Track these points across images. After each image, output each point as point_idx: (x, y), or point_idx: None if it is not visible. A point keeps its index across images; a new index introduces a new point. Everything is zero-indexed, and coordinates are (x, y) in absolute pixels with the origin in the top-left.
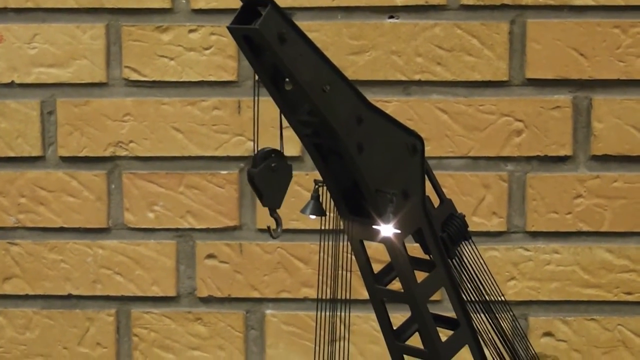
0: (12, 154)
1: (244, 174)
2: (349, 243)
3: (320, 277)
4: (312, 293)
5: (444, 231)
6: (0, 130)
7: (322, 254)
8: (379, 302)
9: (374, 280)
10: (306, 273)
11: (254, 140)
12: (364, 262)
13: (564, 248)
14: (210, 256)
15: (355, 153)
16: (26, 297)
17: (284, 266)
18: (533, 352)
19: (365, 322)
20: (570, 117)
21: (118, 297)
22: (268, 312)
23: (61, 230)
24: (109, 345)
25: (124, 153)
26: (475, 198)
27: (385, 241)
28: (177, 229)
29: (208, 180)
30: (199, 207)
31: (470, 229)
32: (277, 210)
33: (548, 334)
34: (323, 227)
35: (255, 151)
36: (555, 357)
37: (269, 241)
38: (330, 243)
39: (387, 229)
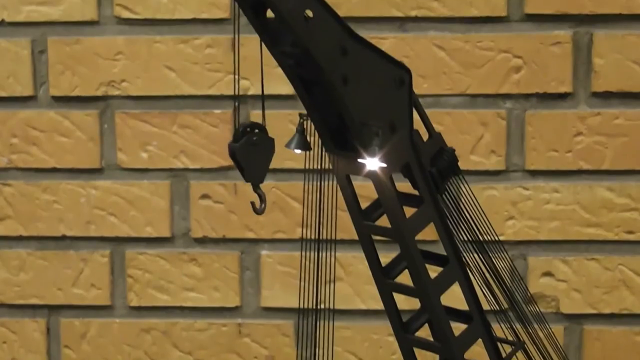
0: (3, 94)
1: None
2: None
3: (305, 217)
4: (307, 234)
5: (432, 166)
6: None
7: (306, 192)
8: (367, 238)
9: (361, 216)
10: (301, 213)
11: (234, 115)
12: (351, 198)
13: (564, 187)
14: (205, 196)
15: (340, 85)
16: (20, 239)
17: (279, 206)
18: (529, 294)
19: (361, 262)
20: (570, 53)
21: (112, 238)
22: (263, 252)
23: (54, 170)
24: (103, 286)
25: (116, 92)
26: (474, 136)
27: (371, 175)
28: (170, 169)
29: (202, 119)
30: (192, 146)
31: (468, 167)
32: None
33: (548, 274)
34: (308, 166)
35: (236, 125)
36: (555, 297)
37: (265, 181)
38: (316, 181)
39: (372, 163)
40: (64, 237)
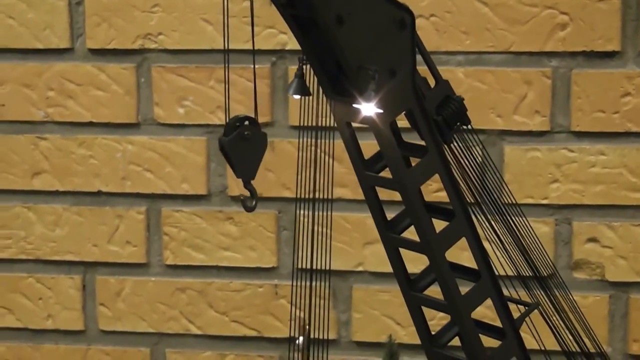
0: (39, 46)
1: (275, 67)
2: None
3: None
4: (345, 193)
5: (438, 114)
6: (28, 21)
7: (301, 149)
8: (370, 190)
9: (363, 166)
10: (339, 172)
11: (225, 107)
12: (352, 146)
13: (610, 149)
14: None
15: (334, 25)
16: (56, 193)
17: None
18: (549, 259)
19: None
20: (618, 9)
21: (148, 194)
22: (301, 212)
23: (90, 125)
24: (138, 243)
25: (152, 46)
26: (517, 95)
27: (369, 122)
28: (207, 125)
29: (239, 74)
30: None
31: (511, 128)
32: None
33: (593, 239)
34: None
35: (227, 118)
36: (600, 264)
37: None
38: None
39: (368, 108)
40: (99, 193)
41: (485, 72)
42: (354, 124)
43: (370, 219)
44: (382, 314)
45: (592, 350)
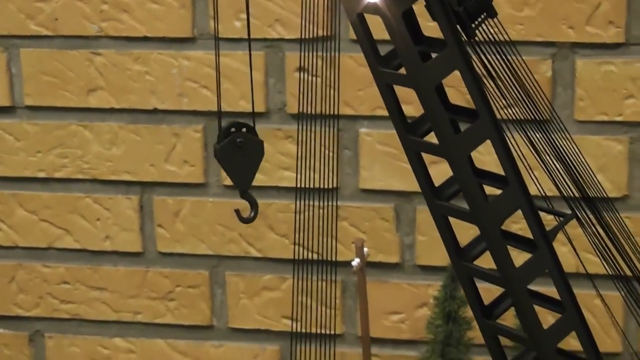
0: None
1: None
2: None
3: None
4: (411, 111)
5: (460, 4)
6: None
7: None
8: (385, 87)
9: (379, 63)
10: (405, 89)
11: (218, 113)
12: (365, 42)
13: None
14: (301, 69)
15: None
16: (112, 111)
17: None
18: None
19: None
20: None
21: (205, 112)
22: (362, 130)
23: (145, 39)
24: (196, 163)
25: None
26: (589, 5)
27: (379, 11)
28: (265, 39)
29: None
30: (288, 15)
31: (583, 40)
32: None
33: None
34: None
35: (220, 124)
36: None
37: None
38: None
39: None
40: (155, 111)
41: None
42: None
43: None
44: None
45: None
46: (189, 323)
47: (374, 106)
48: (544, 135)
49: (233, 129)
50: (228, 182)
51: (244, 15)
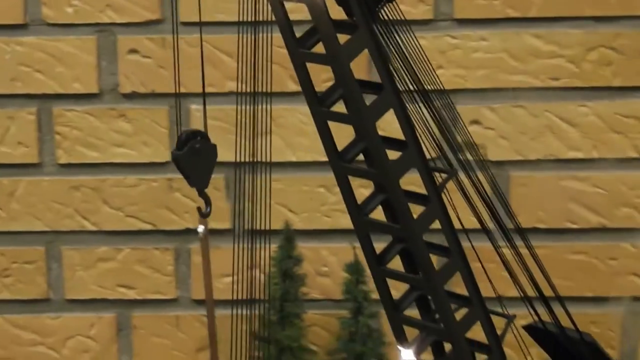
0: None
1: None
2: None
3: (240, 69)
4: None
5: None
6: None
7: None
8: (302, 67)
9: (296, 43)
10: (232, 67)
11: (177, 121)
12: (284, 23)
13: (492, 35)
14: (133, 51)
15: None
16: None
17: (210, 60)
18: (470, 138)
19: (292, 114)
20: None
21: (39, 95)
22: (193, 107)
23: None
24: (31, 144)
25: None
26: None
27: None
28: (97, 24)
29: None
30: (119, 0)
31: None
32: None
33: (475, 122)
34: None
35: (179, 133)
36: (482, 144)
37: (193, 34)
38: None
39: None
40: None
41: None
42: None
43: None
44: (276, 202)
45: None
46: (26, 297)
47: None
48: (429, 105)
49: (191, 136)
50: (62, 160)
51: (75, 1)
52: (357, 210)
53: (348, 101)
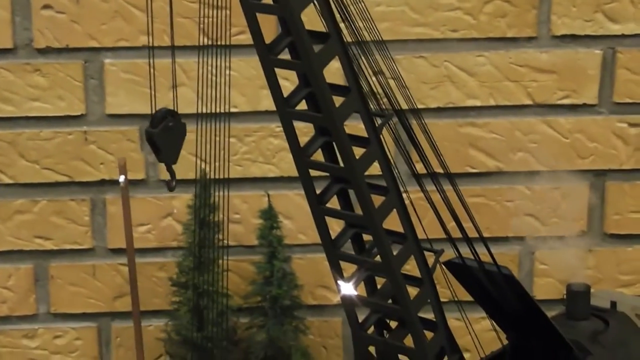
0: None
1: None
2: None
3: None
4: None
5: None
6: None
7: None
8: (251, 16)
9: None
10: (144, 21)
11: (151, 101)
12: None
13: None
14: (47, 7)
15: None
16: None
17: (122, 15)
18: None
19: (202, 67)
20: None
21: None
22: (107, 61)
23: None
24: None
25: None
26: None
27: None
28: None
29: None
30: None
31: None
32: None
33: (378, 72)
34: None
35: (153, 111)
36: (386, 94)
37: None
38: None
39: None
40: None
41: None
42: None
43: None
44: (187, 153)
45: None
46: None
47: (117, 38)
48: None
49: (165, 115)
50: None
51: None
52: (299, 152)
53: (298, 48)
